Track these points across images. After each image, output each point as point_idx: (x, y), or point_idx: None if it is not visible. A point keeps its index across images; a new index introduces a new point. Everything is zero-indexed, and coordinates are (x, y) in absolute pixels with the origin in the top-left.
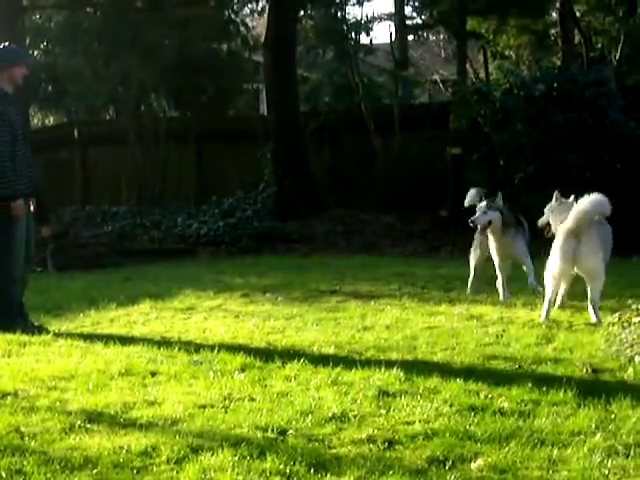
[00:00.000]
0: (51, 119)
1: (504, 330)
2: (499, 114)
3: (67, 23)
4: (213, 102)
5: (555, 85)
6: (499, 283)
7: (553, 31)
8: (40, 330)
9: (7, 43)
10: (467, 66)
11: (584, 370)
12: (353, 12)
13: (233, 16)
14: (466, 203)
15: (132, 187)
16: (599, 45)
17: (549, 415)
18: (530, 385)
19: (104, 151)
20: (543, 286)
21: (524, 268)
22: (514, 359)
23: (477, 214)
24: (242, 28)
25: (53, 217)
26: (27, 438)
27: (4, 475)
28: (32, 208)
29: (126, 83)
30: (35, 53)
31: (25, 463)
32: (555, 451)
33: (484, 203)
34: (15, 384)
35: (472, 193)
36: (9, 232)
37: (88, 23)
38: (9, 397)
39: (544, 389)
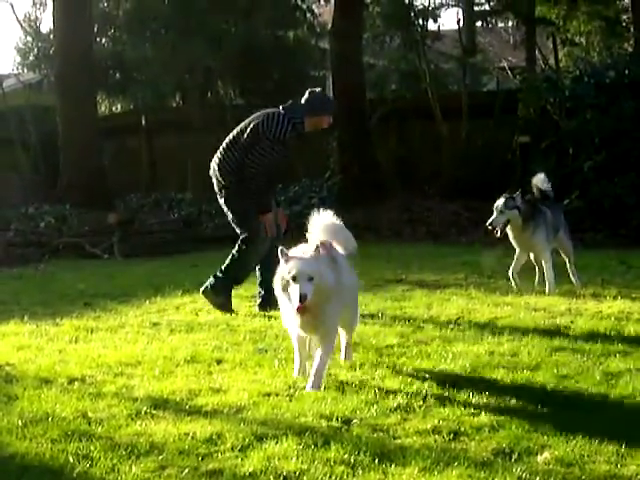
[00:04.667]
0: (119, 106)
1: (572, 322)
2: (568, 102)
3: (135, 11)
4: (279, 89)
5: (626, 72)
6: (511, 271)
7: (625, 17)
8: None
9: (320, 90)
10: (536, 53)
11: None
12: None
13: (300, 3)
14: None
15: (198, 174)
16: None
17: (618, 408)
18: (598, 378)
19: (170, 138)
20: (580, 281)
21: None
22: (582, 351)
23: (494, 215)
24: (309, 15)
25: (120, 204)
26: (94, 423)
27: (71, 460)
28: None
29: (192, 70)
30: (102, 41)
31: (92, 448)
32: (623, 445)
33: (501, 201)
34: (82, 370)
35: (500, 202)
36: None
37: (156, 11)
38: (76, 382)
39: (612, 382)
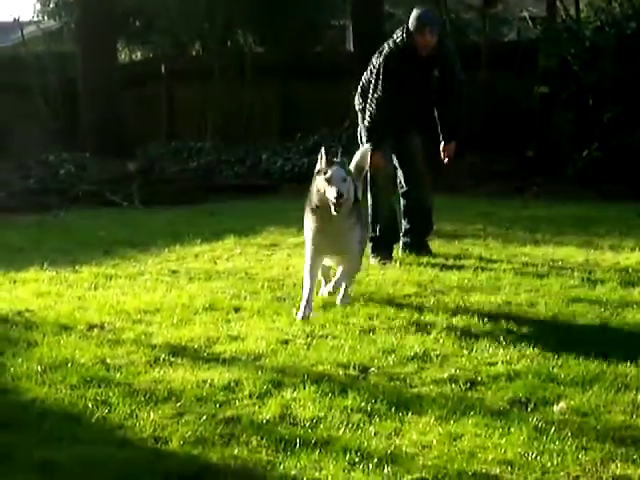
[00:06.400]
0: (138, 54)
1: (590, 272)
2: (589, 53)
3: None
4: (299, 38)
5: None
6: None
7: None
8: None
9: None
10: (557, 3)
11: None
12: None
13: None
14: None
15: (217, 123)
16: None
17: (634, 359)
18: (615, 329)
19: (190, 86)
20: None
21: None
22: (599, 302)
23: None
24: None
25: (140, 152)
26: (113, 370)
27: (90, 405)
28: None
29: (212, 18)
30: None
31: (110, 394)
32: (639, 396)
33: (336, 166)
34: (101, 316)
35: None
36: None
37: None
38: (95, 329)
39: (629, 332)
